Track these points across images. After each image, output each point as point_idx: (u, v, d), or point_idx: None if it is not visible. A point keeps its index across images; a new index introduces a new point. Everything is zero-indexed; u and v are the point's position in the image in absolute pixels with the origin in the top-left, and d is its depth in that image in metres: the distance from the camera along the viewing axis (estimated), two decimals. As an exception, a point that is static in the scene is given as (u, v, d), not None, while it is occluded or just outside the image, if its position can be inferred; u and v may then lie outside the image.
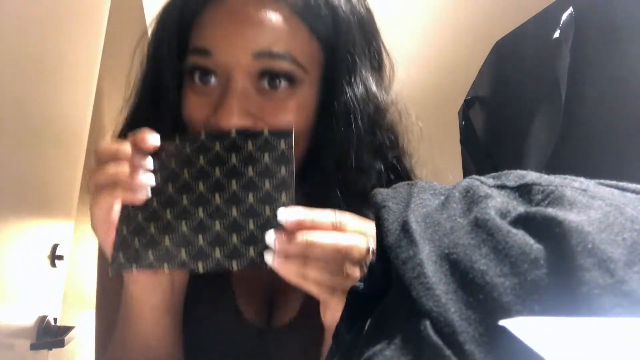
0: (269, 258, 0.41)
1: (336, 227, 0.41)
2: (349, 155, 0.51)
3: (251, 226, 0.43)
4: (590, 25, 0.88)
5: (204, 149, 0.45)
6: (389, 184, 0.51)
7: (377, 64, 0.57)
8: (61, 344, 0.88)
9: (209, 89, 0.51)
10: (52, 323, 0.94)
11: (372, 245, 0.40)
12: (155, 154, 0.45)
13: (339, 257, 0.40)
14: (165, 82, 0.53)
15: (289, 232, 0.41)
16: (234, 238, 0.43)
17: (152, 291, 0.50)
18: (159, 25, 0.55)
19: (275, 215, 0.43)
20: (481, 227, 0.23)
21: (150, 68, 0.56)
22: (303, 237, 0.40)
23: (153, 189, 0.45)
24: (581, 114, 0.90)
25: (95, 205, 0.44)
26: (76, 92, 1.04)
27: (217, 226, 0.43)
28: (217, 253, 0.43)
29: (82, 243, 1.22)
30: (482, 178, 0.29)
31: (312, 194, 0.52)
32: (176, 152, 0.45)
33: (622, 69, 0.82)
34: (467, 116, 1.45)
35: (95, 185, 0.44)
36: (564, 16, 0.91)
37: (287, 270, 0.41)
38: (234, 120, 0.47)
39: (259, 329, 0.57)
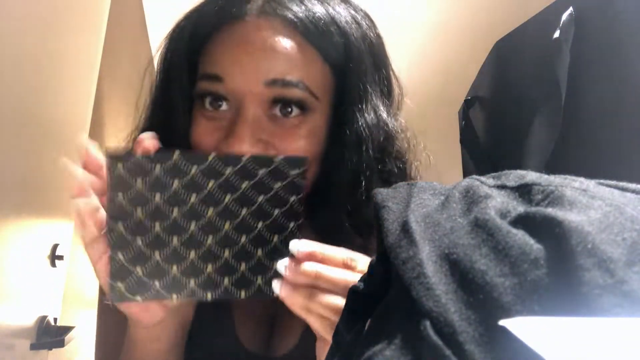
0: (276, 287, 0.41)
1: (347, 265, 0.41)
2: (359, 182, 0.50)
3: (259, 254, 0.43)
4: (590, 25, 0.88)
5: (213, 173, 0.42)
6: None
7: (387, 90, 0.56)
8: (61, 344, 0.88)
9: (219, 115, 0.50)
10: (52, 323, 0.95)
11: None
12: (158, 174, 0.42)
13: (346, 295, 0.40)
14: (175, 107, 0.52)
15: (299, 262, 0.41)
16: (242, 266, 0.42)
17: (156, 337, 0.49)
18: (169, 49, 0.54)
19: (283, 244, 0.42)
20: (481, 227, 0.23)
21: (160, 93, 0.55)
22: (313, 268, 0.40)
23: (155, 213, 0.42)
24: (581, 114, 0.90)
25: (82, 240, 0.43)
26: (76, 92, 1.04)
27: (226, 254, 0.42)
28: (226, 282, 0.42)
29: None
30: (482, 178, 0.29)
31: (320, 221, 0.51)
32: (181, 172, 0.42)
33: (622, 68, 0.82)
34: (467, 116, 1.45)
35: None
36: (564, 16, 0.91)
37: (293, 301, 0.40)
38: (245, 147, 0.46)
39: (259, 358, 0.57)
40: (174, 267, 0.42)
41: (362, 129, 0.50)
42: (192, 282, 0.42)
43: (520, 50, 1.18)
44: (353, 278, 0.40)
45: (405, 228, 0.26)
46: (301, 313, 0.41)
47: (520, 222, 0.23)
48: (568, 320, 0.18)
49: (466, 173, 1.49)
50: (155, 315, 0.46)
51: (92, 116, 1.13)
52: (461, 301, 0.21)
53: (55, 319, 0.96)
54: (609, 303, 0.18)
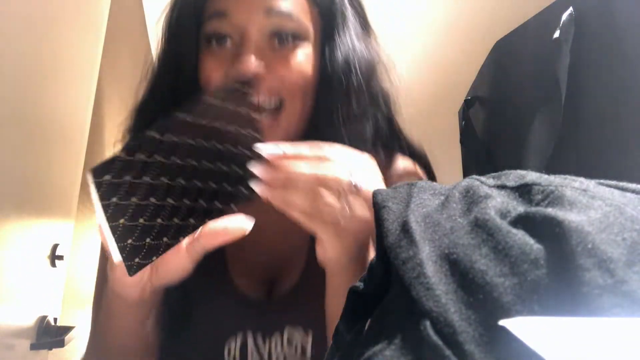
0: (256, 188, 0.45)
1: (319, 158, 0.44)
2: (351, 99, 0.56)
3: (235, 169, 0.47)
4: (590, 25, 0.88)
5: (185, 127, 0.45)
6: (384, 137, 0.61)
7: (366, 28, 0.63)
8: (61, 344, 0.88)
9: (225, 50, 0.55)
10: (52, 323, 0.95)
11: (355, 179, 0.44)
12: (142, 159, 0.44)
13: (318, 187, 0.43)
14: (184, 52, 0.57)
15: (272, 163, 0.45)
16: (226, 186, 0.47)
17: (139, 311, 0.53)
18: (174, 7, 0.60)
19: (251, 152, 0.46)
20: (481, 227, 0.23)
21: (169, 43, 0.60)
22: (286, 165, 0.44)
23: (149, 191, 0.45)
24: (581, 114, 0.91)
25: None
26: (76, 92, 1.04)
27: (211, 185, 0.47)
28: (218, 204, 0.47)
29: (82, 243, 1.22)
30: (482, 178, 0.29)
31: (319, 138, 0.55)
32: (159, 145, 0.45)
33: (621, 68, 0.82)
34: (467, 116, 1.45)
35: None
36: (564, 16, 0.91)
37: (273, 197, 0.44)
38: (251, 63, 0.52)
39: (259, 302, 0.60)
40: (175, 219, 0.46)
41: (349, 52, 0.57)
42: (192, 220, 0.46)
43: (520, 50, 1.18)
44: (323, 170, 0.43)
45: (405, 228, 0.26)
46: (282, 207, 0.44)
47: (520, 222, 0.23)
48: (568, 320, 0.18)
49: (466, 173, 1.49)
50: (145, 291, 0.50)
51: (92, 116, 1.13)
52: (461, 301, 0.21)
53: (55, 319, 0.96)
54: (609, 303, 0.18)
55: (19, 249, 0.81)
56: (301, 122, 0.57)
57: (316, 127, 0.57)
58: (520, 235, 0.22)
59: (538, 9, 1.06)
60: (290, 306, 0.59)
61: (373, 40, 0.64)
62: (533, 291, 0.19)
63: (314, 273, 0.53)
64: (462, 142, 1.48)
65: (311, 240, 0.59)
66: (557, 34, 0.93)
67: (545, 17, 1.04)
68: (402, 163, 0.65)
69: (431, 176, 0.67)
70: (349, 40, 0.58)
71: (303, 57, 0.56)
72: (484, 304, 0.20)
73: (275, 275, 0.62)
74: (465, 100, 1.46)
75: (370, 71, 0.59)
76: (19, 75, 0.78)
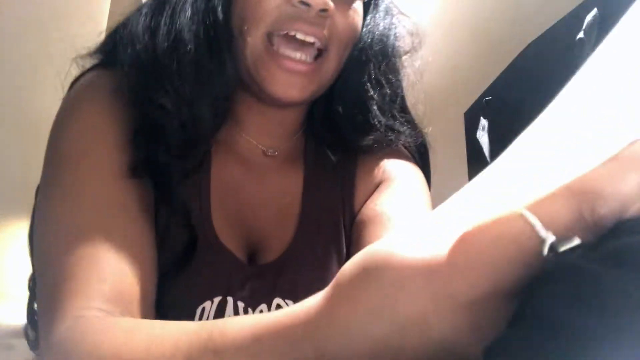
0: None
1: None
2: (382, 67, 0.57)
3: None
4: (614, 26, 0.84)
5: None
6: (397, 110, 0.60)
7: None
8: (62, 343, 0.89)
9: None
10: (56, 321, 0.96)
11: None
12: None
13: None
14: None
15: None
16: None
17: None
18: None
19: None
20: None
21: None
22: None
23: None
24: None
25: None
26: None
27: None
28: None
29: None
30: None
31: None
32: None
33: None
34: (487, 115, 1.42)
35: None
36: (588, 17, 0.88)
37: None
38: None
39: (243, 265, 0.52)
40: None
41: (389, 21, 0.59)
42: None
43: (548, 52, 1.15)
44: None
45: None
46: None
47: None
48: None
49: (471, 173, 1.47)
50: None
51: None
52: None
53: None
54: None
55: (19, 249, 0.82)
56: (334, 76, 0.56)
57: (345, 84, 0.57)
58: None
59: (539, 8, 1.03)
60: (278, 276, 0.52)
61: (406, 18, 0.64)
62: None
63: (304, 242, 0.51)
64: (469, 146, 1.45)
65: (302, 207, 0.57)
66: (580, 35, 0.89)
67: (572, 20, 1.00)
68: (399, 163, 0.60)
69: (425, 171, 0.63)
70: (387, 9, 0.59)
71: (359, 14, 0.55)
72: None
73: (259, 240, 0.55)
74: (485, 101, 1.42)
75: (399, 44, 0.60)
76: (19, 76, 0.78)
